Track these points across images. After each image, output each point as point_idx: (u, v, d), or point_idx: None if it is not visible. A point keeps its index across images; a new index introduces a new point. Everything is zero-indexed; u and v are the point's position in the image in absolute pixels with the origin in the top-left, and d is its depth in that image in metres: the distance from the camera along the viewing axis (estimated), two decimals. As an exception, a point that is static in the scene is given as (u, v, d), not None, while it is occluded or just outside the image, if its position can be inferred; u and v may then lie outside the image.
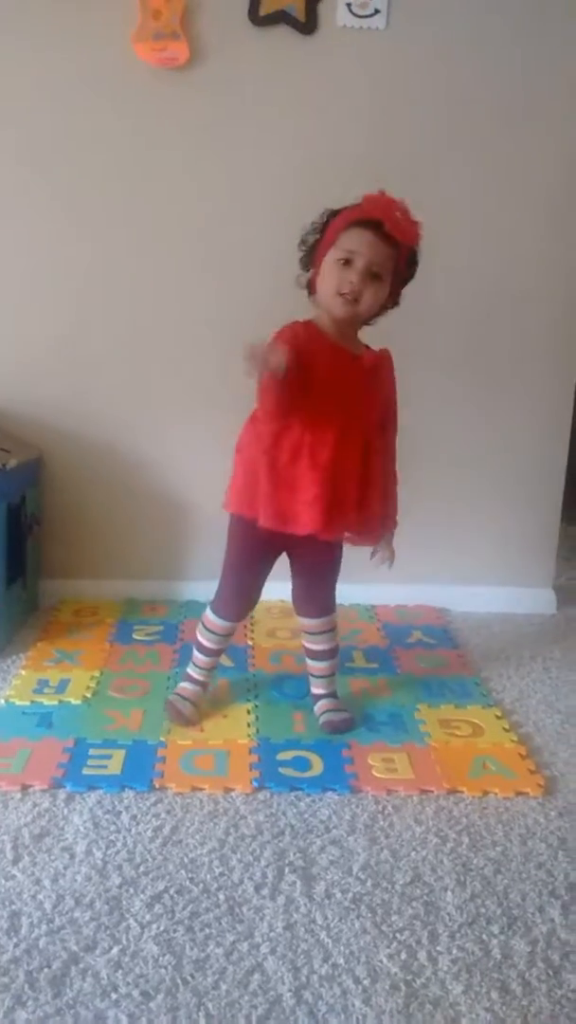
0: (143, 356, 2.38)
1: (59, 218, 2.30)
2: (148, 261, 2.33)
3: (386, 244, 1.60)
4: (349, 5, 2.21)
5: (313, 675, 1.91)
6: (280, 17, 2.21)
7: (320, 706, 1.88)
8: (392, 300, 1.70)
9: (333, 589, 1.86)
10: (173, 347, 2.37)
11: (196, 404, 2.38)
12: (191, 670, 1.89)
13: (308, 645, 1.90)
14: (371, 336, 1.76)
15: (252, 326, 2.41)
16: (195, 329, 2.36)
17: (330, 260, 1.63)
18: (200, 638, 1.87)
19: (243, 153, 2.27)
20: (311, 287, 1.69)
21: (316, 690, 1.91)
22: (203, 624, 1.87)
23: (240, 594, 1.83)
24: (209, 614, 1.86)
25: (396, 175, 2.27)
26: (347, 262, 1.61)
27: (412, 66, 2.25)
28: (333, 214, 1.67)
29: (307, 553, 1.78)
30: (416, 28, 2.22)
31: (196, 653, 1.88)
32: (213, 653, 1.88)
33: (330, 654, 1.89)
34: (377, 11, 2.21)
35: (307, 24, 2.22)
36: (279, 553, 1.80)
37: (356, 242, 1.60)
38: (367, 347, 1.75)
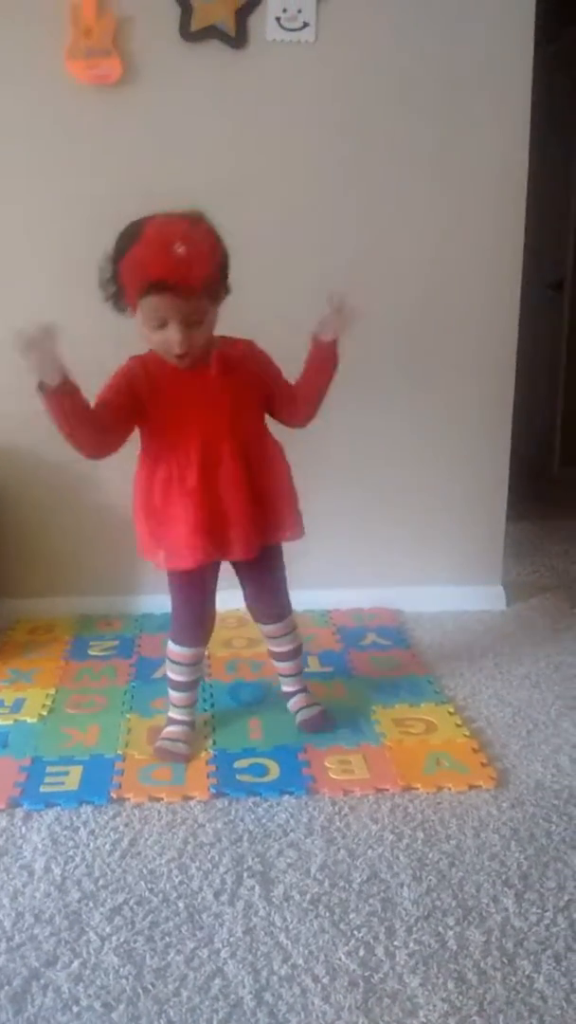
0: (97, 377, 2.37)
1: (1, 236, 2.30)
2: (82, 280, 2.33)
3: (189, 296, 1.50)
4: (278, 19, 2.24)
5: (282, 675, 1.94)
6: (211, 32, 2.23)
7: (294, 703, 1.91)
8: (222, 296, 1.60)
9: (283, 590, 1.85)
10: (114, 362, 2.37)
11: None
12: (172, 712, 1.85)
13: (272, 648, 1.92)
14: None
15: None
16: (135, 344, 2.36)
17: (145, 323, 1.56)
18: (171, 675, 1.83)
19: (177, 167, 2.29)
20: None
21: (287, 688, 1.93)
22: (168, 659, 1.83)
23: (194, 619, 1.80)
24: (171, 646, 1.82)
25: (329, 185, 2.33)
26: (162, 324, 1.54)
27: (342, 77, 2.29)
28: (115, 259, 1.54)
29: (251, 563, 1.77)
30: (345, 40, 2.26)
31: (171, 692, 1.84)
32: (187, 687, 1.84)
33: (294, 653, 1.91)
34: (306, 24, 2.25)
35: (237, 39, 2.24)
36: (217, 567, 1.78)
37: (159, 309, 1.52)
38: (220, 343, 1.66)
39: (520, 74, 2.31)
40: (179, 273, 1.47)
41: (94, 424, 1.58)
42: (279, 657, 1.92)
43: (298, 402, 1.76)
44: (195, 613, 1.80)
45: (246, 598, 1.87)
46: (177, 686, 1.84)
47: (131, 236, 1.53)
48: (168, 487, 1.66)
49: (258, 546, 1.72)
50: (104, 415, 1.59)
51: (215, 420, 1.65)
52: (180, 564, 1.69)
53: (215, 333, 1.64)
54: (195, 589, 1.77)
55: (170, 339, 1.55)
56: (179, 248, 1.47)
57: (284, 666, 1.93)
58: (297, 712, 1.89)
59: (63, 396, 1.51)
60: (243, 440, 1.67)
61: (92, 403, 1.59)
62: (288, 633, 1.89)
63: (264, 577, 1.82)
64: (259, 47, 2.26)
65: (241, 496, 1.66)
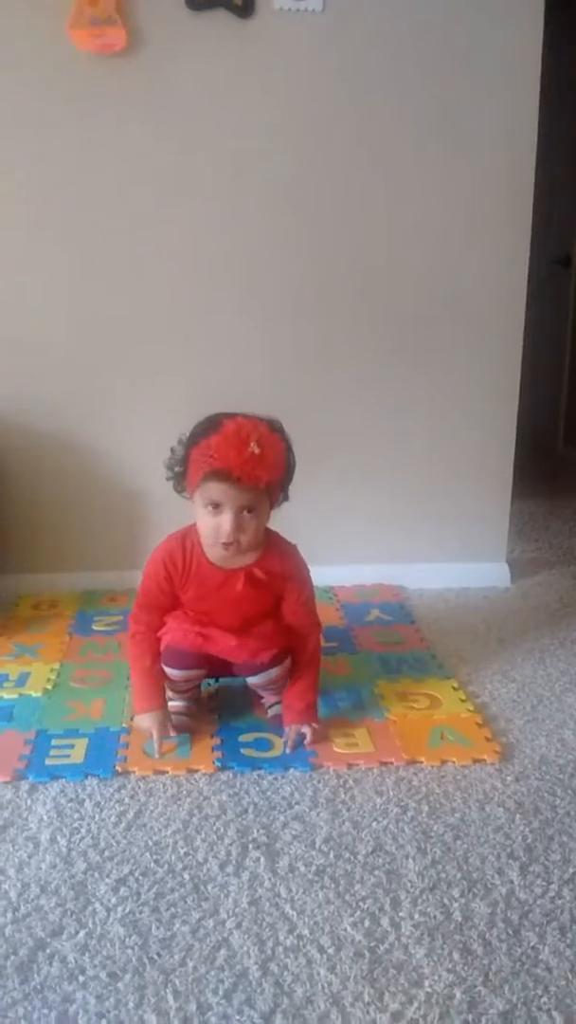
0: (93, 348, 2.37)
1: (2, 211, 2.28)
2: (89, 252, 2.32)
3: (247, 490, 1.56)
4: (285, -12, 2.21)
5: (260, 691, 1.85)
6: (217, 1, 2.20)
7: (268, 699, 1.84)
8: (279, 500, 1.67)
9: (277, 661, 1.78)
10: (122, 339, 2.36)
11: (145, 394, 2.38)
12: (172, 697, 1.82)
13: (257, 690, 1.85)
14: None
15: (197, 314, 2.43)
16: (142, 320, 2.35)
17: (199, 503, 1.61)
18: (170, 694, 1.80)
19: (182, 137, 2.27)
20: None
21: (267, 700, 1.86)
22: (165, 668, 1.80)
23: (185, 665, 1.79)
24: (165, 668, 1.78)
25: (334, 158, 2.31)
26: (216, 507, 1.59)
27: (349, 48, 2.26)
28: (190, 444, 1.62)
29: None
30: (353, 9, 2.23)
31: (169, 685, 1.80)
32: (185, 680, 1.80)
33: (279, 688, 1.80)
34: (313, -7, 2.22)
35: (244, 8, 2.21)
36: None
37: (218, 494, 1.57)
38: (262, 553, 1.70)
39: (530, 44, 2.28)
40: (246, 469, 1.53)
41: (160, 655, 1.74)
42: (261, 688, 1.83)
43: (295, 639, 1.76)
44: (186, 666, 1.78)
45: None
46: (176, 686, 1.81)
47: (209, 426, 1.58)
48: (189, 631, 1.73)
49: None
50: (157, 632, 1.75)
51: (226, 618, 1.71)
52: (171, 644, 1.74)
53: (267, 526, 1.69)
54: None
55: (221, 526, 1.59)
56: (254, 447, 1.52)
57: (267, 694, 1.84)
58: (271, 707, 1.83)
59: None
60: (246, 633, 1.72)
61: (141, 633, 1.76)
62: (277, 680, 1.79)
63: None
64: (266, 16, 2.22)
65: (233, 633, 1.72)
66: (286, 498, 1.68)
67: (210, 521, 1.61)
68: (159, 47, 2.21)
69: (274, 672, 1.77)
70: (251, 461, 1.53)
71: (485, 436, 2.54)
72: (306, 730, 1.72)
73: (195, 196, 2.29)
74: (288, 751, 1.70)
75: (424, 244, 2.39)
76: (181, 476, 1.65)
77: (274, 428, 1.60)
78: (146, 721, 1.70)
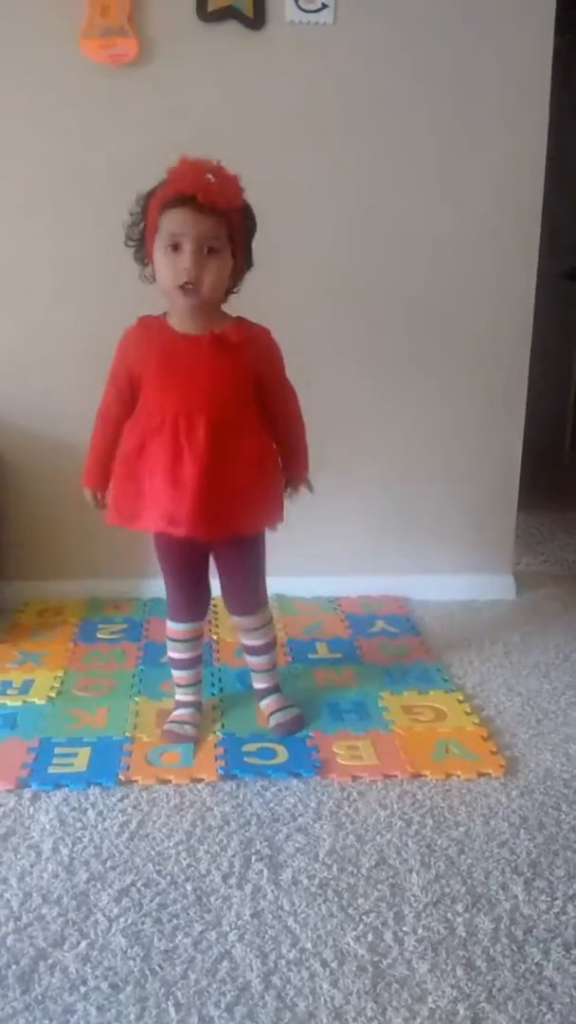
0: (102, 355, 2.36)
1: (12, 218, 2.29)
2: (101, 259, 2.32)
3: (209, 215, 1.52)
4: (297, 0, 2.22)
5: (253, 670, 1.89)
6: (228, 13, 2.21)
7: (267, 705, 1.86)
8: (243, 262, 1.62)
9: (255, 583, 1.81)
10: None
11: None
12: (179, 694, 1.85)
13: (244, 641, 1.87)
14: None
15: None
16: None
17: (159, 249, 1.56)
18: (171, 653, 1.84)
19: (191, 148, 2.26)
20: (153, 279, 1.62)
21: (258, 685, 1.88)
22: (168, 637, 1.84)
23: (182, 595, 1.80)
24: (168, 623, 1.83)
25: (343, 169, 2.31)
26: (175, 247, 1.53)
27: (360, 60, 2.26)
28: (148, 197, 1.59)
29: (220, 549, 1.75)
30: (364, 22, 2.24)
31: (175, 672, 1.84)
32: (188, 664, 1.83)
33: (266, 648, 1.86)
34: (325, 6, 2.22)
35: (255, 20, 2.22)
36: (200, 549, 1.75)
37: (177, 224, 1.52)
38: (234, 322, 1.66)
39: (540, 57, 2.28)
40: (205, 190, 1.51)
41: (117, 441, 1.71)
42: (251, 651, 1.87)
43: (278, 423, 1.73)
44: (183, 589, 1.79)
45: (221, 588, 1.81)
46: (179, 664, 1.83)
47: (167, 173, 1.58)
48: (138, 450, 1.65)
49: (209, 530, 1.65)
50: (117, 421, 1.71)
51: (194, 393, 1.61)
52: (127, 524, 1.69)
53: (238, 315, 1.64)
54: (176, 563, 1.77)
55: (179, 264, 1.54)
56: (210, 176, 1.52)
57: (255, 660, 1.87)
58: (271, 715, 1.83)
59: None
60: (220, 421, 1.61)
61: (102, 411, 1.75)
62: (260, 627, 1.83)
63: (234, 568, 1.78)
64: (277, 28, 2.23)
65: (203, 475, 1.60)
66: (250, 263, 1.64)
67: (169, 264, 1.55)
68: (170, 58, 2.22)
69: (261, 634, 1.83)
70: (210, 185, 1.51)
71: (491, 447, 2.53)
72: (304, 488, 1.79)
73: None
74: (288, 499, 1.77)
75: (432, 255, 2.39)
76: (141, 237, 1.60)
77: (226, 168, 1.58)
78: (88, 493, 1.78)
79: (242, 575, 1.79)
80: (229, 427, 1.63)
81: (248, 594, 1.81)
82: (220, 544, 1.74)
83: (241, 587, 1.80)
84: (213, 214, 1.52)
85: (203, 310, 1.61)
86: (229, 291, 1.65)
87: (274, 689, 1.88)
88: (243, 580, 1.79)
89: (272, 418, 1.72)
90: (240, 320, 1.67)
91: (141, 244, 1.62)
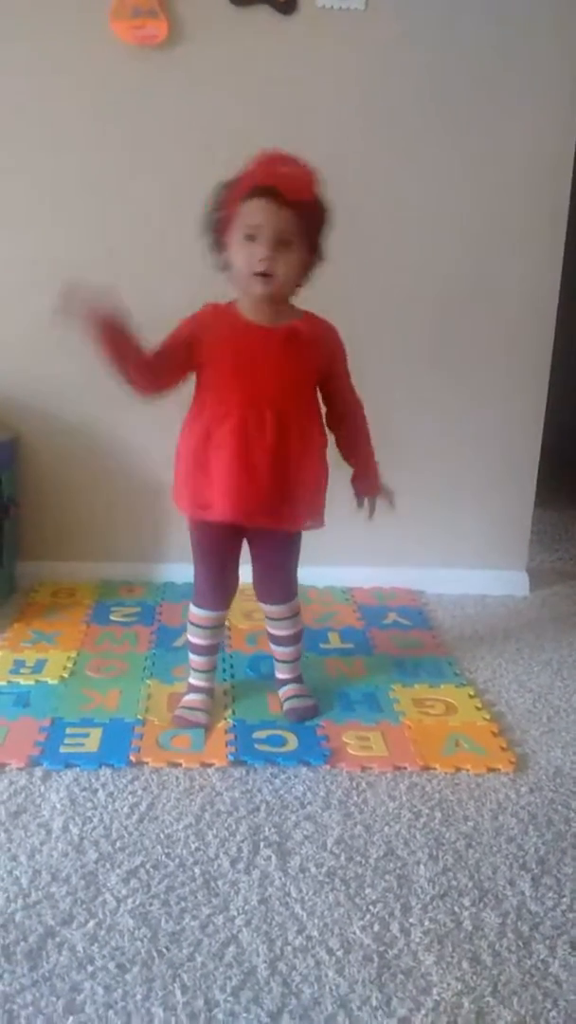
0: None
1: (37, 200, 2.29)
2: (125, 241, 2.32)
3: (286, 208, 1.54)
4: (328, -15, 2.21)
5: (278, 660, 1.90)
6: (260, -4, 2.20)
7: (285, 692, 1.87)
8: (315, 257, 1.64)
9: (291, 575, 1.83)
10: (151, 327, 2.35)
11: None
12: (193, 679, 1.85)
13: (271, 631, 1.88)
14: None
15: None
16: (174, 309, 2.34)
17: (236, 238, 1.58)
18: (190, 637, 1.84)
19: (221, 132, 2.26)
20: (227, 268, 1.63)
21: (281, 675, 1.90)
22: (189, 622, 1.84)
23: (214, 583, 1.80)
24: (192, 608, 1.83)
25: (370, 156, 2.30)
26: (252, 237, 1.55)
27: (391, 46, 2.24)
28: (227, 187, 1.60)
29: (262, 539, 1.77)
30: (395, 8, 2.22)
31: (192, 656, 1.85)
32: (207, 651, 1.84)
33: (294, 639, 1.87)
34: (356, -9, 2.21)
35: (286, 4, 2.21)
36: (239, 537, 1.77)
37: (255, 215, 1.55)
38: (303, 316, 1.68)
39: (570, 49, 2.26)
40: (283, 182, 1.54)
41: (149, 368, 1.62)
42: (278, 641, 1.88)
43: (345, 422, 1.76)
44: (214, 575, 1.79)
45: (254, 575, 1.83)
46: (197, 650, 1.84)
47: (247, 164, 1.59)
48: (206, 439, 1.66)
49: (280, 521, 1.70)
50: (159, 361, 1.63)
51: (263, 385, 1.63)
52: (200, 515, 1.69)
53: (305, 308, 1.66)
54: (214, 551, 1.77)
55: (255, 253, 1.55)
56: (287, 168, 1.56)
57: (282, 651, 1.89)
58: (286, 700, 1.85)
59: (113, 339, 1.56)
60: (286, 414, 1.64)
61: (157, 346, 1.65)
62: (290, 617, 1.86)
63: (275, 557, 1.80)
64: (308, 13, 2.22)
65: (272, 467, 1.64)
66: (321, 257, 1.64)
67: (245, 252, 1.57)
68: (200, 41, 2.21)
69: (288, 624, 1.84)
70: (287, 178, 1.55)
71: (509, 443, 2.52)
72: (380, 497, 1.82)
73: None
74: (368, 519, 1.81)
75: (455, 250, 2.37)
76: (218, 227, 1.61)
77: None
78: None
79: (282, 567, 1.81)
80: (292, 420, 1.65)
81: (285, 585, 1.83)
82: (265, 535, 1.75)
83: (279, 577, 1.83)
84: (290, 207, 1.54)
85: (274, 302, 1.63)
86: (299, 285, 1.66)
87: (296, 680, 1.89)
88: (283, 572, 1.82)
89: (339, 417, 1.76)
90: (310, 315, 1.69)
91: (217, 232, 1.62)
